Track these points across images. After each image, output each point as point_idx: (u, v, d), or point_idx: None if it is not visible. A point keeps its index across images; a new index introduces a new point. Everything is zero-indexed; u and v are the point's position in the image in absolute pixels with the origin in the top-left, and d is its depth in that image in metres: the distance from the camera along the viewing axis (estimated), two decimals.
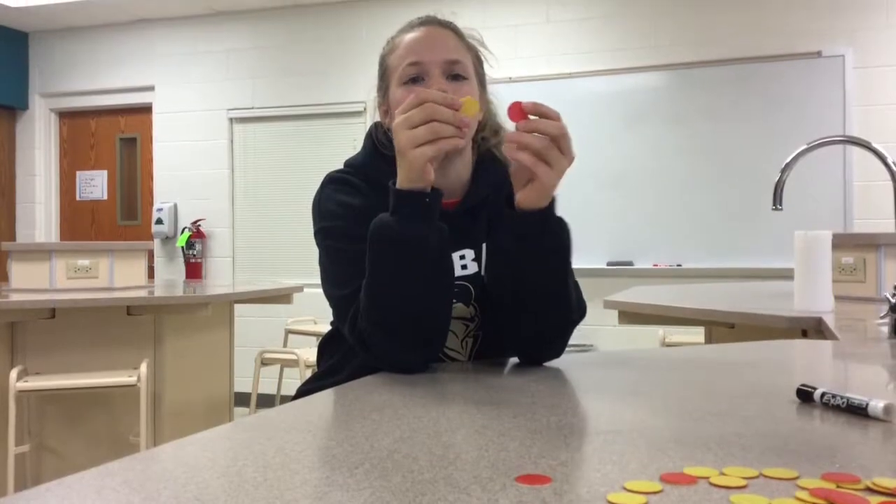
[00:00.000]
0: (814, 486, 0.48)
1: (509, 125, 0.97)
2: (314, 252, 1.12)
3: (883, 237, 1.96)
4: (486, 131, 1.19)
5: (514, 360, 1.07)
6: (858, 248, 2.00)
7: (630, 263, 4.44)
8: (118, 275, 3.09)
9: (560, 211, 0.99)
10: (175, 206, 5.47)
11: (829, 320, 1.42)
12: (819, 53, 4.19)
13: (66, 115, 5.94)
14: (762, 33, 4.31)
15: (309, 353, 3.58)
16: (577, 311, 1.04)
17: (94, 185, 5.86)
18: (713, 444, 0.59)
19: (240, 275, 5.39)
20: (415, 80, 1.07)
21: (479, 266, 1.12)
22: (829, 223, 3.96)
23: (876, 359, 1.06)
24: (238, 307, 3.62)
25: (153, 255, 5.42)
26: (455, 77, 1.08)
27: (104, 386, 2.61)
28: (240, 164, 5.38)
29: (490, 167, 1.17)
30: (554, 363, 1.03)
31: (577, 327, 1.05)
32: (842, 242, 2.03)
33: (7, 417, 2.53)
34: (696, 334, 3.42)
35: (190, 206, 5.44)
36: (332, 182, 1.14)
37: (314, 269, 1.15)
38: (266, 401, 4.28)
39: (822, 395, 0.72)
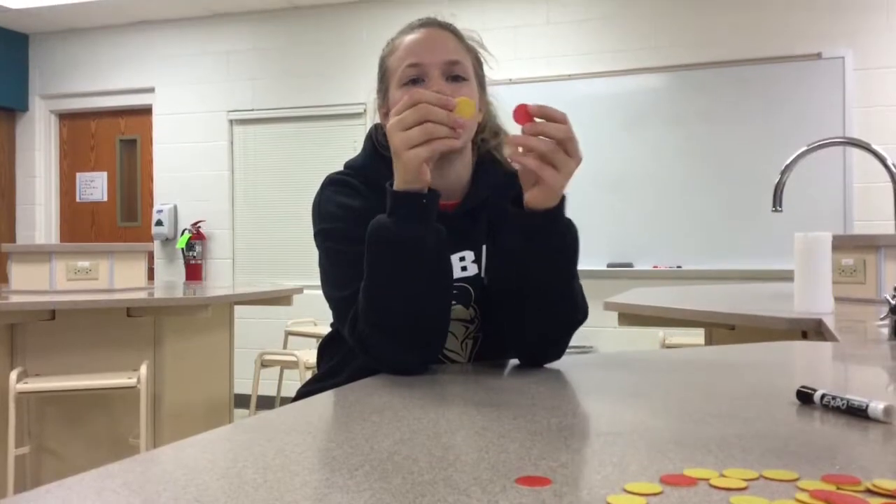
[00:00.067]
0: (814, 487, 0.48)
1: (509, 126, 0.97)
2: (314, 254, 1.12)
3: (883, 238, 1.96)
4: (486, 133, 1.19)
5: (514, 361, 1.07)
6: (858, 250, 1.99)
7: (630, 265, 4.44)
8: (118, 276, 3.09)
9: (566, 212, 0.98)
10: (175, 208, 5.47)
11: (829, 322, 1.42)
12: (819, 55, 4.19)
13: (66, 117, 5.94)
14: (762, 35, 4.31)
15: (309, 355, 3.58)
16: (581, 312, 1.04)
17: (94, 186, 5.86)
18: (713, 445, 0.59)
19: (240, 276, 5.38)
20: (414, 81, 1.07)
21: (479, 268, 1.12)
22: (829, 225, 3.96)
23: (876, 360, 1.06)
24: (238, 309, 3.62)
25: (153, 257, 5.42)
26: (455, 78, 1.07)
27: (104, 387, 2.61)
28: (240, 165, 5.38)
29: (490, 169, 1.17)
30: (554, 365, 1.03)
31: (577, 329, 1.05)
32: (842, 244, 2.02)
33: (7, 419, 2.53)
34: (697, 336, 3.41)
35: (190, 207, 5.44)
36: (332, 184, 1.14)
37: (314, 271, 1.15)
38: (266, 402, 4.28)
39: (823, 396, 0.72)
